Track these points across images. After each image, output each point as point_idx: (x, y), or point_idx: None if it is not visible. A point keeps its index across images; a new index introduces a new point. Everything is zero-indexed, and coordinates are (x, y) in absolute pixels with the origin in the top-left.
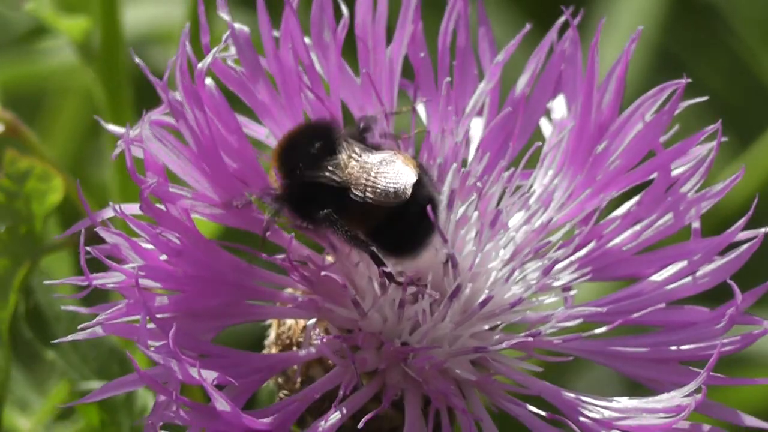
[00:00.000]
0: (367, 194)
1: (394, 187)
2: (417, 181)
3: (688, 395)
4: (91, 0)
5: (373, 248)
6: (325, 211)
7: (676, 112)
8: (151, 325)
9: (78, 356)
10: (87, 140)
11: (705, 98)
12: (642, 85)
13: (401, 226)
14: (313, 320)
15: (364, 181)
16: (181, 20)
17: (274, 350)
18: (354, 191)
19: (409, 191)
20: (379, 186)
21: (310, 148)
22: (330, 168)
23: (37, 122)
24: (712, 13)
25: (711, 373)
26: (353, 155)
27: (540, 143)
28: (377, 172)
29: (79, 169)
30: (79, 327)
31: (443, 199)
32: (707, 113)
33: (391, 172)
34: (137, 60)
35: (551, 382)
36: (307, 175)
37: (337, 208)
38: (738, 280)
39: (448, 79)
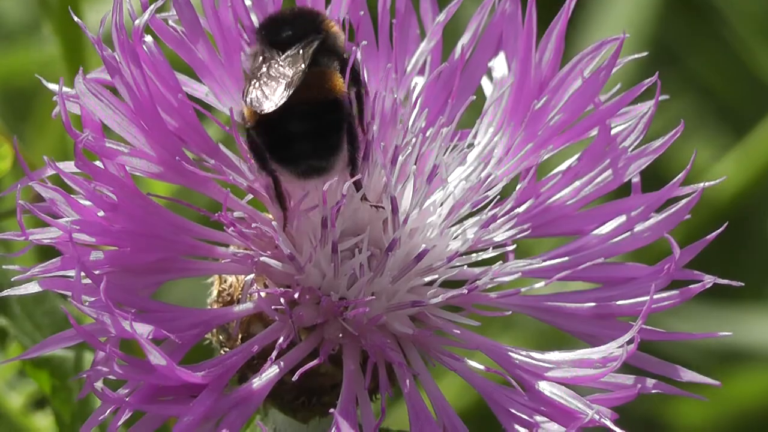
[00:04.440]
0: (244, 93)
1: (257, 99)
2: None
3: (620, 346)
4: None
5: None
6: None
7: (615, 69)
8: (86, 281)
9: (31, 323)
10: None
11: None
12: (636, 76)
13: (284, 134)
14: (252, 276)
15: (253, 80)
16: None
17: (215, 307)
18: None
19: (264, 110)
20: (249, 93)
21: (281, 30)
22: (264, 55)
23: (32, 114)
24: (707, 6)
25: (645, 326)
26: (284, 57)
27: (474, 98)
28: (265, 81)
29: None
30: (12, 279)
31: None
32: (702, 105)
33: (272, 87)
34: (75, 18)
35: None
36: (255, 48)
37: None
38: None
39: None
